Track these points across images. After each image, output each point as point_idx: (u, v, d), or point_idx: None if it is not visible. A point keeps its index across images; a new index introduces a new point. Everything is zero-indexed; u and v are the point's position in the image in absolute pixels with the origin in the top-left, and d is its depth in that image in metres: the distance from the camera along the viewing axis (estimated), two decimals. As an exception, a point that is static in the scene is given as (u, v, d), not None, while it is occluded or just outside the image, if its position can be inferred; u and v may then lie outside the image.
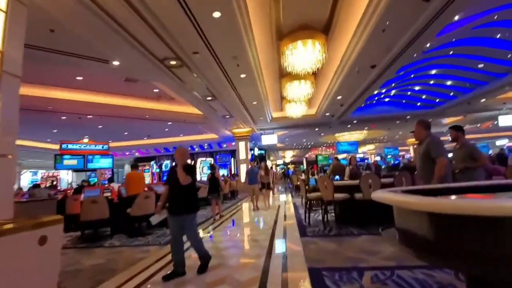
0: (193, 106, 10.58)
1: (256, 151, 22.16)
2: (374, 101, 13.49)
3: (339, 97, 10.11)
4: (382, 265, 2.99)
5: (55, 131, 13.15)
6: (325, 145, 27.12)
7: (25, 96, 7.62)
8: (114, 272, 3.37)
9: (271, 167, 27.73)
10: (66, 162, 10.88)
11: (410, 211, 1.49)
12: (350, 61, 6.94)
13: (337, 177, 5.96)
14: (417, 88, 12.33)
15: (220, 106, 10.33)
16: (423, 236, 1.39)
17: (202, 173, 21.82)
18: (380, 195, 1.81)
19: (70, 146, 10.94)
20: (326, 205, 5.18)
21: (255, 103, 10.12)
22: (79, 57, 6.04)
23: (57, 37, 5.21)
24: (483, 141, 22.35)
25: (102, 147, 11.90)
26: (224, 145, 22.41)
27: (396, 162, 19.75)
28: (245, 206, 9.60)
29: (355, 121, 15.33)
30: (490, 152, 16.34)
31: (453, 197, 1.71)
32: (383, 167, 12.45)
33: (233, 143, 16.86)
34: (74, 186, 13.30)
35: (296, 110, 10.71)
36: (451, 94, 12.26)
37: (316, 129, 16.73)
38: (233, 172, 20.21)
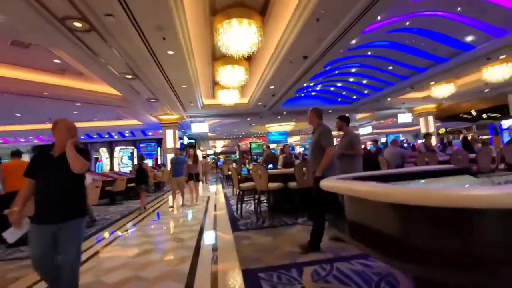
0: (109, 85, 8.99)
1: (186, 140, 20.93)
2: (303, 94, 14.15)
3: (272, 87, 10.12)
4: (320, 258, 2.87)
5: None
6: (255, 135, 27.66)
7: None
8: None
9: (204, 157, 26.66)
10: None
11: (371, 203, 1.27)
12: (285, 49, 6.87)
13: (270, 165, 5.85)
14: (339, 84, 13.44)
15: (144, 88, 9.07)
16: (391, 233, 1.18)
17: (121, 163, 19.43)
18: (333, 184, 1.59)
19: None
20: (259, 195, 4.98)
21: (185, 86, 9.24)
22: None
23: None
24: (382, 136, 26.59)
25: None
26: (150, 133, 20.40)
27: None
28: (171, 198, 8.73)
29: (284, 113, 15.87)
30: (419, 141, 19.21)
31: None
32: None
33: (160, 131, 15.41)
34: None
35: (229, 97, 10.30)
36: (366, 92, 13.81)
37: (248, 119, 16.71)
38: (159, 163, 18.65)
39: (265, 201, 5.70)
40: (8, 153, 5.84)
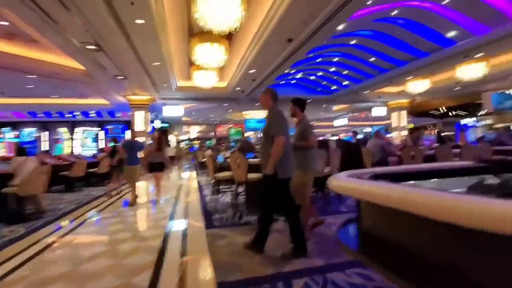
0: (69, 56, 7.90)
1: (158, 124, 19.78)
2: (283, 81, 13.76)
3: (252, 71, 9.57)
4: (310, 267, 2.46)
5: None
6: (232, 122, 26.99)
7: None
8: None
9: (179, 142, 24.75)
10: None
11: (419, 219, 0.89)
12: (269, 29, 6.36)
13: (250, 154, 5.41)
14: (320, 73, 13.22)
15: (110, 62, 8.09)
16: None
17: (85, 145, 17.97)
18: (347, 185, 1.19)
19: None
20: (237, 187, 4.57)
21: (157, 63, 8.40)
22: None
23: None
24: (358, 128, 27.29)
25: None
26: (119, 114, 18.95)
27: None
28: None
29: (263, 100, 15.43)
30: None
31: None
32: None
33: (129, 113, 14.27)
34: None
35: (206, 79, 9.60)
36: (345, 83, 13.75)
37: (225, 104, 16.05)
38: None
39: (243, 193, 5.22)
40: None
